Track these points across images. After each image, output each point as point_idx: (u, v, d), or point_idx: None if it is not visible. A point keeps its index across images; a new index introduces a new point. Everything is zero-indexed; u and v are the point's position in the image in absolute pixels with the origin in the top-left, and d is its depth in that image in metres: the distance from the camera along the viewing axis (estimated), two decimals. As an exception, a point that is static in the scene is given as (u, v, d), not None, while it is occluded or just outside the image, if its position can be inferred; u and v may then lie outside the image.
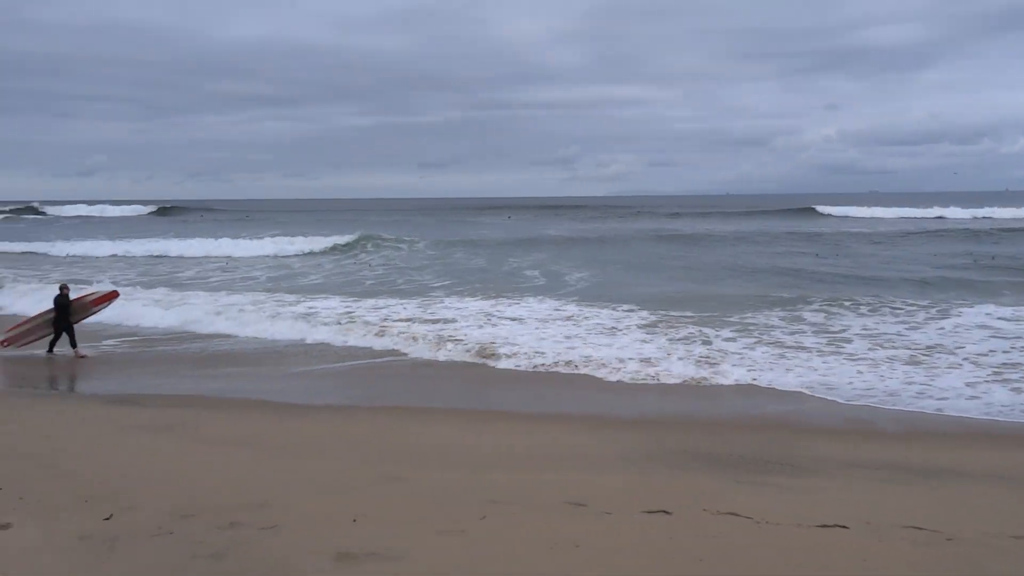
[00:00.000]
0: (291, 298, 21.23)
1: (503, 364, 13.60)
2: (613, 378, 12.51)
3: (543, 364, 13.51)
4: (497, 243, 41.01)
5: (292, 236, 40.58)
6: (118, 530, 5.79)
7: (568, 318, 17.77)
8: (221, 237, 41.62)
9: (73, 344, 14.56)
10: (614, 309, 18.65)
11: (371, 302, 20.26)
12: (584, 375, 12.78)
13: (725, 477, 7.53)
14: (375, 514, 6.22)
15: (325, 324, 17.01)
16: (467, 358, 14.13)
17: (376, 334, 15.91)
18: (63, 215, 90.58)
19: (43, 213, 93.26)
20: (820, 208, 74.50)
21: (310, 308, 19.31)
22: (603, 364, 13.27)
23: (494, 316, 18.18)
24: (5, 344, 14.68)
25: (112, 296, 16.47)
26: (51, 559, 5.26)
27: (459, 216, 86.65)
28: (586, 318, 17.71)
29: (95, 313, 16.06)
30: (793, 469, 7.93)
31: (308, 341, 15.82)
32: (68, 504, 6.37)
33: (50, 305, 15.05)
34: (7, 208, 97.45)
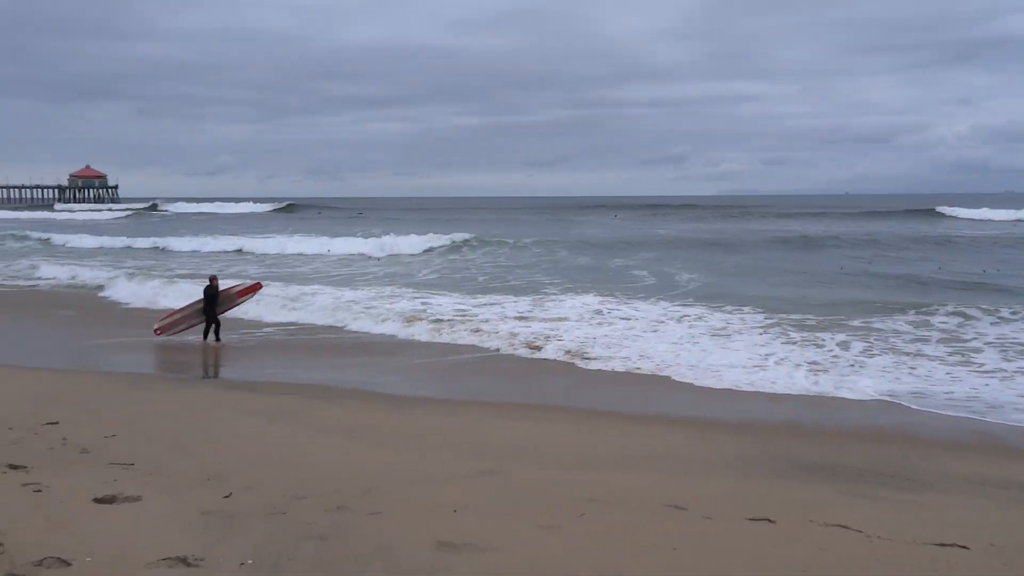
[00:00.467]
0: (409, 293, 21.89)
1: (609, 364, 13.50)
2: (722, 382, 12.19)
3: (650, 365, 13.33)
4: (605, 242, 40.76)
5: (405, 234, 41.13)
6: (236, 508, 6.16)
7: (679, 319, 17.47)
8: (340, 236, 43.06)
9: (216, 336, 15.48)
10: (727, 311, 18.24)
11: (483, 299, 20.53)
12: (690, 378, 12.52)
13: (834, 488, 7.23)
14: (474, 506, 6.35)
15: (435, 320, 17.38)
16: (573, 357, 14.12)
17: (482, 331, 16.15)
18: (191, 211, 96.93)
19: (164, 211, 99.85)
20: (945, 209, 68.97)
21: (424, 303, 19.78)
22: (712, 367, 12.99)
23: (604, 315, 18.11)
24: (157, 332, 15.66)
25: (255, 288, 17.25)
26: (176, 531, 5.65)
27: (566, 215, 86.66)
28: (699, 319, 17.39)
29: (239, 304, 16.86)
30: (910, 483, 7.52)
31: (417, 336, 16.22)
32: (192, 481, 6.82)
33: (199, 296, 16.02)
34: (137, 206, 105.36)
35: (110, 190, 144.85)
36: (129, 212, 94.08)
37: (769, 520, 6.13)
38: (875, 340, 14.81)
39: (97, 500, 6.21)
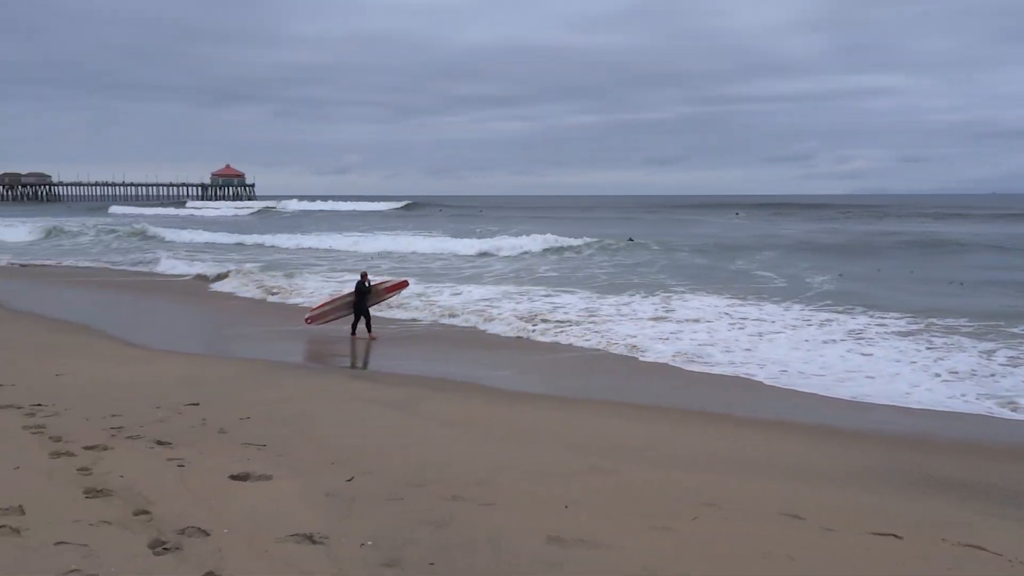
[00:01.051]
0: (533, 291, 22.14)
1: (730, 369, 13.14)
2: (851, 391, 11.62)
3: (774, 370, 12.86)
4: (727, 243, 39.67)
5: (526, 234, 40.28)
6: (357, 491, 6.46)
7: (810, 323, 16.84)
8: (461, 236, 43.38)
9: (368, 328, 15.91)
10: (862, 316, 17.45)
11: (608, 298, 20.43)
12: (817, 386, 11.97)
13: (970, 507, 6.78)
14: (585, 503, 6.38)
15: (557, 320, 17.46)
16: (691, 360, 13.87)
17: (601, 330, 16.11)
18: (314, 209, 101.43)
19: (283, 210, 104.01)
20: None
21: (549, 302, 19.89)
22: (842, 374, 12.45)
23: (731, 316, 17.71)
24: (308, 322, 16.45)
25: (403, 285, 17.76)
26: (303, 510, 5.99)
27: (685, 214, 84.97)
28: (830, 323, 16.70)
29: (386, 300, 17.33)
30: (1058, 506, 6.94)
31: (536, 334, 16.33)
32: (317, 464, 7.20)
33: (351, 289, 16.56)
34: (260, 204, 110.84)
35: (247, 188, 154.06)
36: (252, 210, 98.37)
37: (896, 536, 5.83)
38: None
39: (233, 477, 6.66)
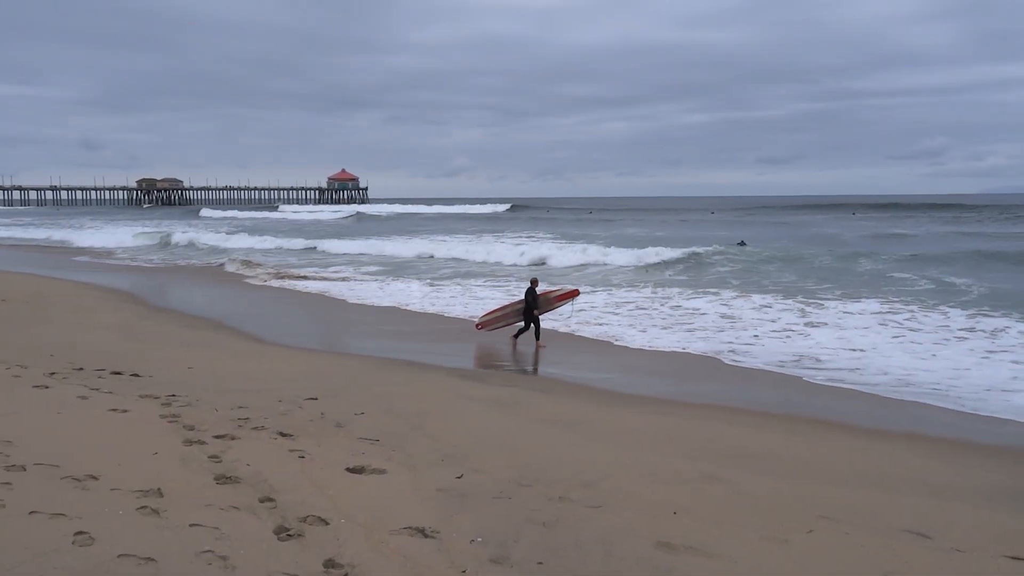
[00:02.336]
0: (662, 296, 22.05)
1: (865, 377, 12.63)
2: (1000, 407, 10.88)
3: (921, 380, 12.28)
4: (851, 243, 37.92)
5: (653, 244, 36.46)
6: (467, 488, 6.59)
7: (964, 330, 16.07)
8: (590, 242, 41.39)
9: (537, 335, 15.61)
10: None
11: (743, 302, 20.20)
12: (962, 402, 11.23)
13: (1122, 533, 6.23)
14: (695, 510, 6.27)
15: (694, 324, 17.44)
16: (818, 366, 13.40)
17: (745, 337, 15.92)
18: (441, 212, 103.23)
19: (377, 214, 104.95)
20: None
21: (693, 308, 19.70)
22: (995, 388, 11.71)
23: (888, 323, 17.21)
24: (479, 327, 16.70)
25: (574, 294, 17.27)
26: (415, 504, 6.17)
27: (800, 214, 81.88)
28: (1003, 332, 15.84)
29: (556, 308, 16.99)
30: None
31: (656, 340, 16.21)
32: (429, 460, 7.40)
33: (521, 296, 16.49)
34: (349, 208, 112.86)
35: (361, 191, 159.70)
36: (346, 214, 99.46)
37: (1034, 560, 5.44)
38: None
39: (349, 470, 6.94)
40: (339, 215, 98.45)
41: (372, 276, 29.44)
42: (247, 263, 33.94)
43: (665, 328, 16.95)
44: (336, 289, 25.07)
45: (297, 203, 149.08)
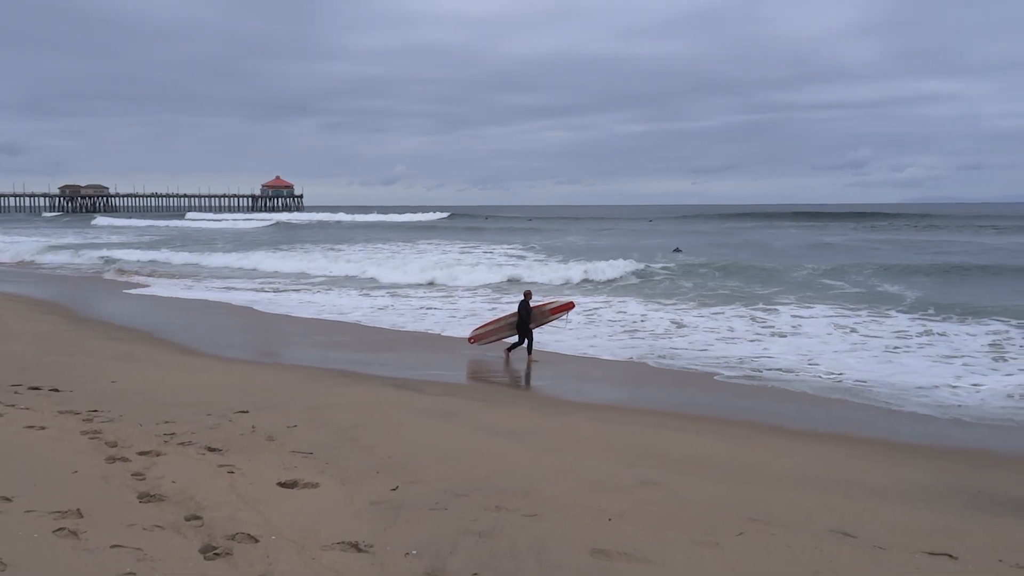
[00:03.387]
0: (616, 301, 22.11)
1: (791, 376, 13.11)
2: (915, 403, 11.35)
3: (848, 381, 12.84)
4: (786, 250, 39.00)
5: (604, 259, 33.05)
6: (402, 500, 6.51)
7: (919, 335, 16.75)
8: (569, 260, 35.96)
9: (529, 350, 15.12)
10: (962, 323, 17.59)
11: (705, 311, 20.46)
12: (883, 397, 11.78)
13: (1032, 527, 6.55)
14: (631, 516, 6.33)
15: (637, 330, 17.49)
16: (741, 367, 13.71)
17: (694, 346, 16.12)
18: (374, 221, 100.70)
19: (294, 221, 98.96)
20: None
21: (640, 315, 19.88)
22: (912, 385, 12.35)
23: (830, 327, 17.75)
24: (471, 341, 16.16)
25: (569, 307, 16.65)
26: (349, 518, 6.06)
27: (731, 222, 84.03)
28: (939, 335, 16.62)
29: (551, 321, 16.42)
30: (1125, 528, 6.66)
31: (598, 348, 16.34)
32: (364, 472, 7.28)
33: (514, 310, 15.84)
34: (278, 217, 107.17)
35: (296, 199, 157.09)
36: (266, 224, 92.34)
37: (950, 556, 5.66)
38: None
39: (281, 484, 6.78)
40: (257, 224, 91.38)
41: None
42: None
43: (610, 336, 17.10)
44: (261, 298, 24.57)
45: (229, 211, 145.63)
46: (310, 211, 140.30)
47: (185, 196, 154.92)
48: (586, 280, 28.28)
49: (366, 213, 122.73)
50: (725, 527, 6.11)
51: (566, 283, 28.00)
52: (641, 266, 31.01)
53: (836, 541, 5.93)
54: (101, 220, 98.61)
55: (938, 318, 18.52)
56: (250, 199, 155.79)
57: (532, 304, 15.69)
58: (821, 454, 8.86)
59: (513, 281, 28.29)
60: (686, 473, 7.73)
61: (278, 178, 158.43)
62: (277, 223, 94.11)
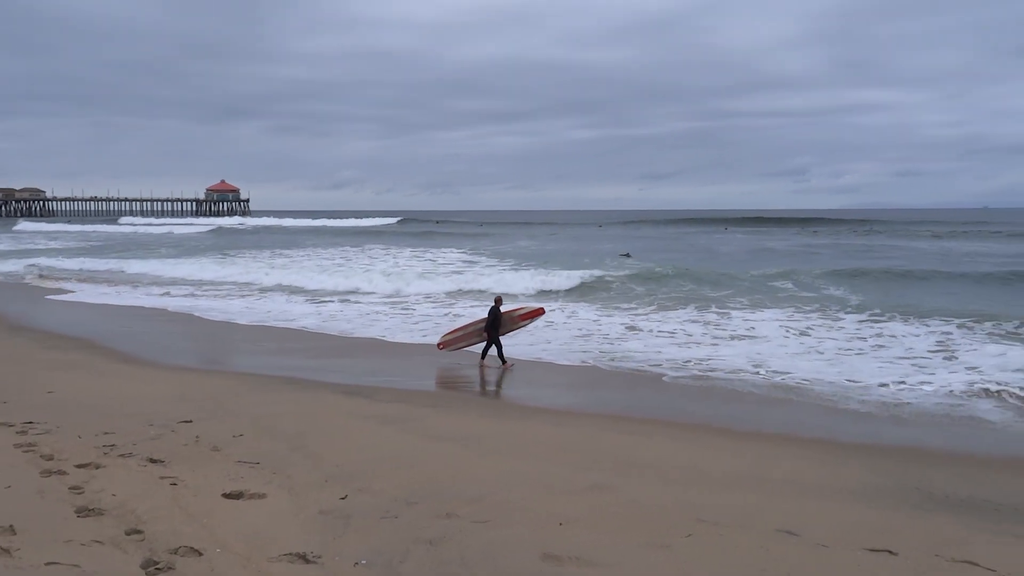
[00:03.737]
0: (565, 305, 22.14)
1: (736, 376, 13.39)
2: (855, 401, 11.68)
3: (791, 381, 13.21)
4: (733, 254, 39.68)
5: (556, 270, 31.52)
6: (352, 509, 6.43)
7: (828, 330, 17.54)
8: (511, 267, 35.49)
9: (500, 356, 14.89)
10: (906, 324, 18.25)
11: (656, 315, 20.65)
12: (825, 395, 12.16)
13: (966, 522, 6.77)
14: (582, 520, 6.36)
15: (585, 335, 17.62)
16: (702, 371, 13.93)
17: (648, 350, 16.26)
18: (322, 226, 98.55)
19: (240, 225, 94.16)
20: None
21: (592, 320, 20.01)
22: (854, 384, 12.79)
23: (782, 329, 18.19)
24: (440, 347, 15.72)
25: (538, 312, 16.53)
26: (297, 528, 5.96)
27: (677, 227, 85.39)
28: (874, 334, 17.31)
29: (522, 327, 16.22)
30: (1052, 521, 6.95)
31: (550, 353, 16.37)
32: (312, 482, 7.17)
33: (484, 315, 15.74)
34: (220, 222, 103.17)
35: (242, 203, 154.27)
36: (206, 229, 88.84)
37: (890, 552, 5.83)
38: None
39: (226, 495, 6.63)
40: (198, 229, 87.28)
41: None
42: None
43: (563, 341, 17.16)
44: (203, 305, 24.03)
45: (173, 215, 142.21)
46: (257, 216, 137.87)
47: (126, 200, 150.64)
48: (541, 291, 28.10)
49: (315, 218, 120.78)
50: (675, 529, 6.19)
51: (523, 291, 27.81)
52: (594, 271, 31.23)
53: (781, 540, 6.05)
54: (27, 225, 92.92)
55: (883, 319, 19.12)
56: (194, 203, 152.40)
57: (502, 309, 15.52)
58: (767, 455, 9.03)
59: (463, 292, 28.08)
60: (637, 476, 7.80)
61: (223, 182, 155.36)
62: (218, 228, 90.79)
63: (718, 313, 20.76)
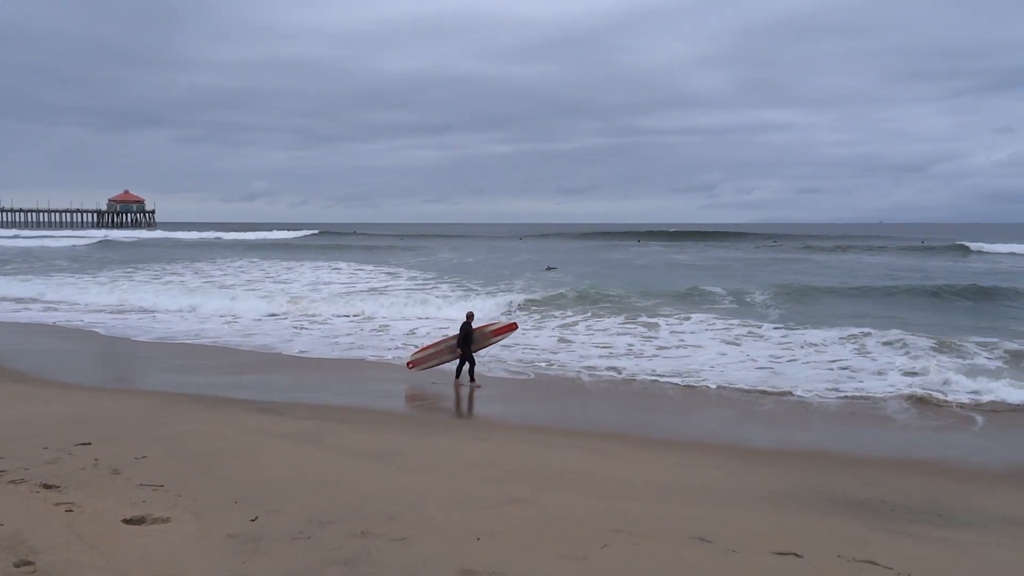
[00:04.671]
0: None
1: (668, 388, 13.74)
2: (777, 405, 12.10)
3: (720, 386, 13.81)
4: (651, 267, 40.47)
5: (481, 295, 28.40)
6: (262, 531, 6.21)
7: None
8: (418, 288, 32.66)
9: (471, 374, 14.54)
10: (819, 330, 19.14)
11: (583, 326, 20.73)
12: (747, 401, 12.56)
13: (865, 523, 7.09)
14: (499, 534, 6.33)
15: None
16: (614, 375, 14.11)
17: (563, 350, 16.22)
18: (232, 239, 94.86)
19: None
20: (974, 245, 64.18)
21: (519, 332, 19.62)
22: (783, 390, 13.40)
23: (714, 337, 18.81)
24: (410, 366, 15.08)
25: (511, 328, 16.17)
26: (202, 554, 5.71)
27: (594, 241, 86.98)
28: (792, 342, 18.05)
29: (493, 344, 15.83)
30: (942, 520, 7.36)
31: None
32: (220, 504, 6.90)
33: (455, 332, 15.21)
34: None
35: (147, 215, 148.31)
36: (93, 240, 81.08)
37: (796, 555, 6.03)
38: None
39: (126, 521, 6.31)
40: (76, 242, 78.05)
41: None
42: None
43: (492, 356, 17.08)
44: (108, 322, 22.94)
45: (72, 227, 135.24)
46: (164, 228, 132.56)
47: (21, 211, 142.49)
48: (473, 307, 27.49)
49: (226, 230, 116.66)
50: (591, 540, 6.23)
51: (451, 306, 27.15)
52: (524, 284, 31.47)
53: (694, 547, 6.18)
54: None
55: (800, 328, 19.74)
56: (95, 215, 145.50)
57: (474, 326, 15.05)
58: (684, 463, 9.25)
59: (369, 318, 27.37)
60: (555, 488, 7.84)
61: (127, 192, 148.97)
62: (103, 240, 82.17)
63: (647, 324, 21.09)
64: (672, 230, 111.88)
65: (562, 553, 5.94)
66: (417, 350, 15.77)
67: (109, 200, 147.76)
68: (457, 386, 14.38)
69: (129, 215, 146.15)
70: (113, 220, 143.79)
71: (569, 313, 23.75)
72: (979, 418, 11.85)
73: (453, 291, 29.89)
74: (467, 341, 14.63)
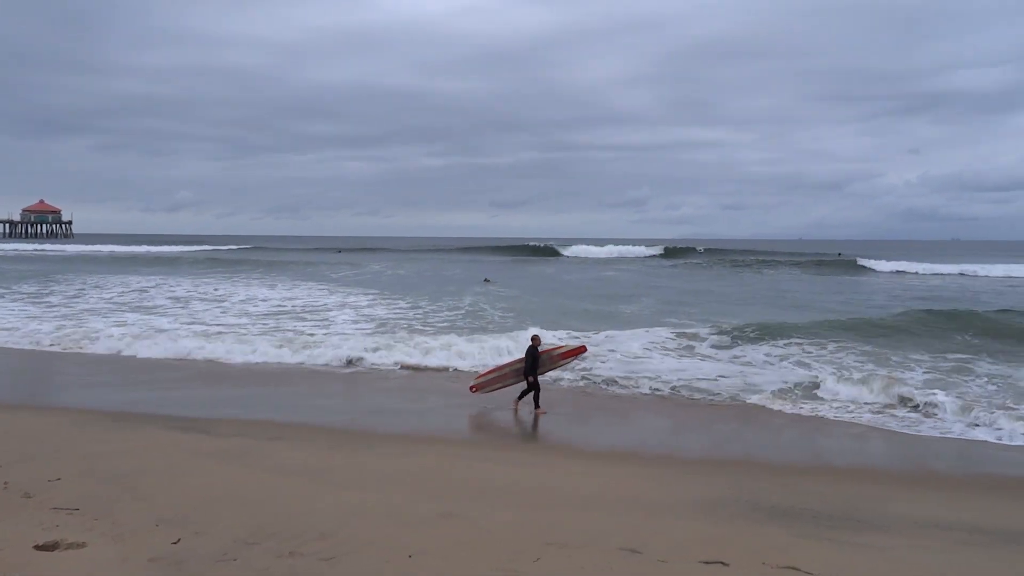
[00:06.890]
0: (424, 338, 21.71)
1: (599, 398, 13.92)
2: (708, 413, 12.36)
3: (653, 394, 14.36)
4: (579, 282, 40.91)
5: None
6: (185, 554, 6.01)
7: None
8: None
9: (536, 401, 13.76)
10: (755, 344, 19.67)
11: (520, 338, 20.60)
12: (680, 411, 12.83)
13: (790, 530, 7.31)
14: (431, 551, 6.28)
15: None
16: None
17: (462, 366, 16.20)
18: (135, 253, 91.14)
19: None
20: (863, 262, 64.69)
21: (447, 344, 19.56)
22: (717, 400, 13.97)
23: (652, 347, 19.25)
24: (473, 390, 14.50)
25: (580, 351, 15.52)
26: (122, 579, 5.49)
27: (525, 254, 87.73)
28: (729, 355, 18.69)
29: (560, 367, 15.38)
30: (861, 525, 7.64)
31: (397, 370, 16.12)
32: (140, 527, 6.64)
33: (521, 355, 14.57)
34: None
35: (64, 225, 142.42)
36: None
37: (723, 563, 6.17)
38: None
39: (38, 547, 6.01)
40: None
41: None
42: None
43: (419, 369, 17.01)
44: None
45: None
46: (81, 240, 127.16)
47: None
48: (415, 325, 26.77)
49: (151, 244, 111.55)
50: (523, 554, 6.24)
51: (381, 325, 25.84)
52: (472, 300, 31.40)
53: (624, 558, 6.26)
54: None
55: (740, 340, 20.14)
56: (7, 225, 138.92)
57: (540, 350, 14.24)
58: (613, 474, 9.36)
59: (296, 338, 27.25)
60: (487, 502, 7.82)
61: (42, 202, 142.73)
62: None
63: (580, 333, 21.29)
64: (605, 243, 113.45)
65: (494, 567, 5.93)
66: (482, 373, 15.16)
67: (23, 210, 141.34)
68: (515, 408, 13.76)
69: (44, 226, 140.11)
70: (27, 231, 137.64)
71: (505, 323, 23.88)
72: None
73: (432, 316, 29.51)
74: (534, 367, 13.96)
